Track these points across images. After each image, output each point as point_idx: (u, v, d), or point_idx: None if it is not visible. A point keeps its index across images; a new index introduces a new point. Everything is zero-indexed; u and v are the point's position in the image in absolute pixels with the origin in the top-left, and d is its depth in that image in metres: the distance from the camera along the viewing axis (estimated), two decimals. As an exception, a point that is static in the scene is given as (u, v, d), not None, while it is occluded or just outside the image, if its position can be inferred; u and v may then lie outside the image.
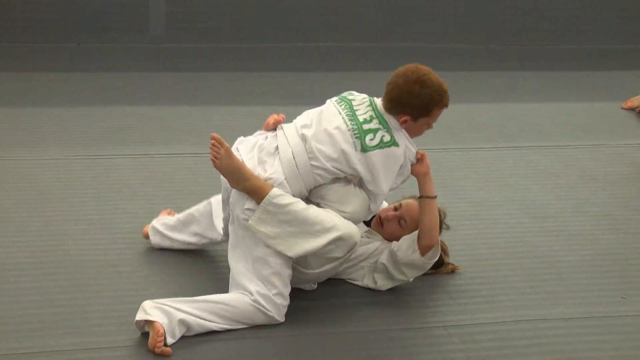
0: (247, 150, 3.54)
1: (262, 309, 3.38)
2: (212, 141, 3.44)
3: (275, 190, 3.40)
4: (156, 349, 3.21)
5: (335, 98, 3.65)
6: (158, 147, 4.94)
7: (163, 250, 3.91)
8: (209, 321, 3.34)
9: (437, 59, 6.77)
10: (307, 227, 3.39)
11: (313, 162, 3.46)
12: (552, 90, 6.35)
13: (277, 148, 3.50)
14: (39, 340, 3.28)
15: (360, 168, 3.48)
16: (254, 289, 3.39)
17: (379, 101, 3.58)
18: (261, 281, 3.39)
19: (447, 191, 4.44)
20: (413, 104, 3.48)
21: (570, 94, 6.32)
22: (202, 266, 3.84)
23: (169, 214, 4.06)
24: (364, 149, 3.46)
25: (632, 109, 6.05)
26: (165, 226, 3.91)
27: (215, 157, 3.44)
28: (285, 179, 3.44)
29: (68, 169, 4.62)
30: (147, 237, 3.95)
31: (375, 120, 3.51)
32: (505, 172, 4.95)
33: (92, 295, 3.57)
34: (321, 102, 3.64)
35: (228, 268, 3.54)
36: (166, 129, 5.19)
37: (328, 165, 3.47)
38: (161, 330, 3.22)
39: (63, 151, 4.81)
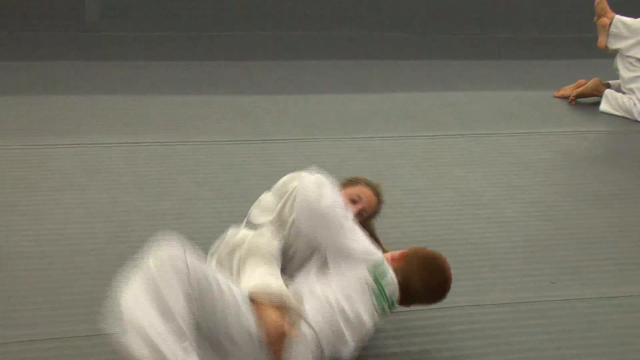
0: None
1: None
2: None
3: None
4: None
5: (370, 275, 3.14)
6: (92, 136, 4.88)
7: (95, 241, 3.88)
8: None
9: (372, 47, 6.81)
10: None
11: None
12: (486, 79, 6.42)
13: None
14: (-31, 334, 3.24)
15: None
16: None
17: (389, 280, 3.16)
18: None
19: (382, 179, 4.45)
20: (427, 302, 3.31)
21: (503, 82, 6.39)
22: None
23: None
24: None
25: (564, 98, 6.15)
26: None
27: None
28: None
29: (0, 159, 4.56)
30: None
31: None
32: (439, 160, 5.00)
33: (24, 287, 3.52)
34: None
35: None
36: (101, 119, 5.14)
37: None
38: None
39: (-5, 141, 4.74)
